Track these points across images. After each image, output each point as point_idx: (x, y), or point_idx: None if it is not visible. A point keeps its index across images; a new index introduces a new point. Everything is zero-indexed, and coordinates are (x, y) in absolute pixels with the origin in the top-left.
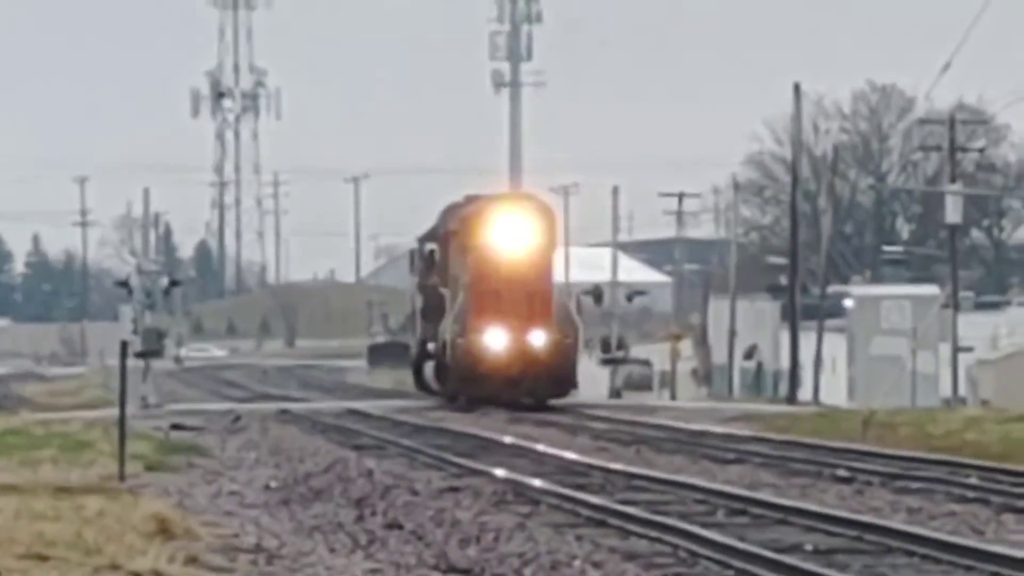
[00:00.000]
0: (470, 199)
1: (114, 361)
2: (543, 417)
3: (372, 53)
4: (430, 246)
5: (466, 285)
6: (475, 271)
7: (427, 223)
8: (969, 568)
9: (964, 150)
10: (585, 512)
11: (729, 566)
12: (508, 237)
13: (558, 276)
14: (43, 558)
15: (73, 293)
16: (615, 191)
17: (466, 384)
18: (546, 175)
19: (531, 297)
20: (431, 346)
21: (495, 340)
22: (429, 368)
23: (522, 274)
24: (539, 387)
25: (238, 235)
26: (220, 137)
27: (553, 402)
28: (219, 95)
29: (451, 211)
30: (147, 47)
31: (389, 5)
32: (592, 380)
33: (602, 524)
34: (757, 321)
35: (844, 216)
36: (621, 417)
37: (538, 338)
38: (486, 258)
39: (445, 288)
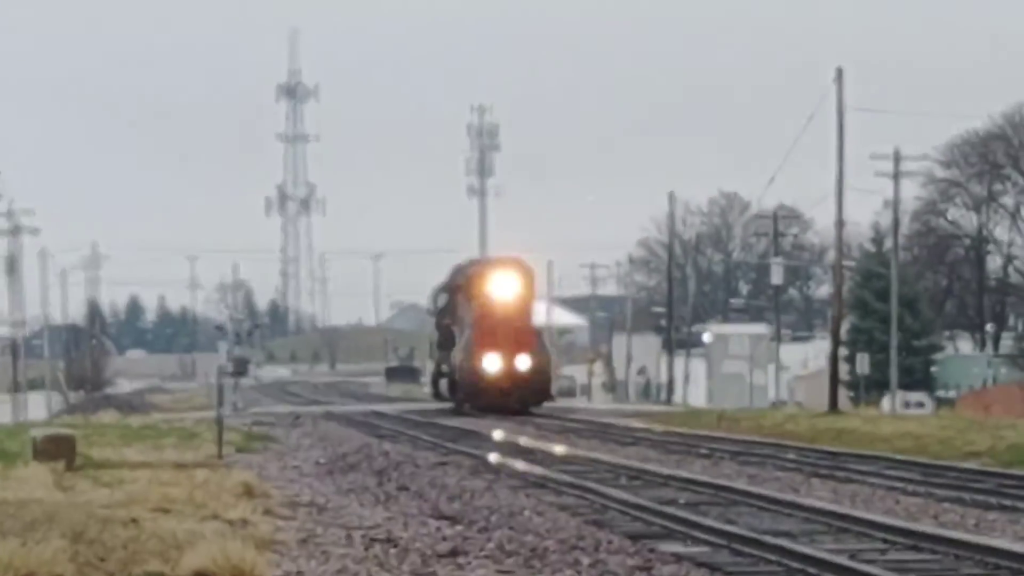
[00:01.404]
0: (473, 261)
1: (214, 379)
2: (501, 414)
3: (388, 171)
4: (443, 295)
5: (471, 324)
6: (478, 313)
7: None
8: (789, 515)
9: (783, 235)
10: (532, 478)
11: (627, 513)
12: (501, 289)
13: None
14: (167, 511)
15: (187, 334)
16: (550, 264)
17: (471, 396)
18: (503, 252)
19: (518, 332)
20: (444, 368)
21: (492, 364)
22: (443, 384)
23: (511, 316)
24: (524, 398)
25: (297, 294)
26: (285, 229)
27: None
28: (284, 200)
29: (459, 270)
30: (236, 167)
31: (397, 139)
32: None
33: (543, 486)
34: (646, 350)
35: (703, 280)
36: (555, 415)
37: (523, 362)
38: (485, 304)
39: (455, 326)
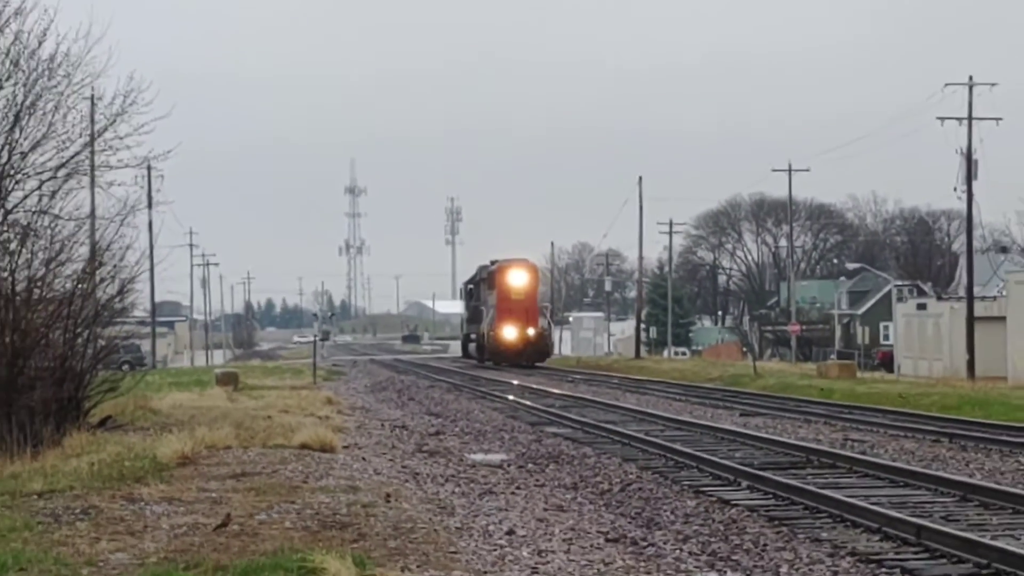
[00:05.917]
0: (494, 262)
1: (311, 342)
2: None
3: (403, 230)
4: (471, 286)
5: (493, 306)
6: (498, 298)
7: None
8: (613, 412)
9: (612, 264)
10: (478, 393)
11: (530, 412)
12: (516, 280)
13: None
14: (286, 411)
15: (296, 318)
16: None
17: (494, 355)
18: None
19: (527, 311)
20: (473, 336)
21: (509, 333)
22: (471, 347)
23: (522, 299)
24: (532, 356)
25: (355, 297)
26: (349, 263)
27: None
28: (348, 247)
29: (483, 268)
30: (323, 229)
31: (409, 212)
32: None
33: (484, 398)
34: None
35: (570, 288)
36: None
37: (531, 331)
38: (504, 291)
39: (482, 307)
